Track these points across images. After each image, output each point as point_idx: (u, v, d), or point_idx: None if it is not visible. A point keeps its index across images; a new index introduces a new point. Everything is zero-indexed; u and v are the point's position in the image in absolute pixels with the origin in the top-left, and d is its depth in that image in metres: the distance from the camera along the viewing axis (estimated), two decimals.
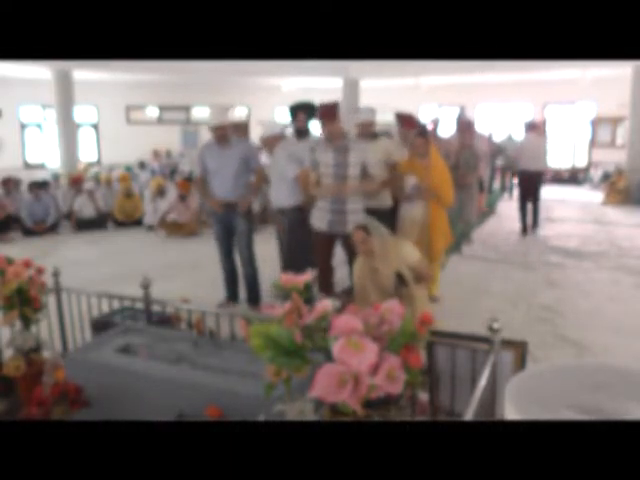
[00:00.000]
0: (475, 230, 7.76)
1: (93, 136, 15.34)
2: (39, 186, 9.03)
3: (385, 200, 4.82)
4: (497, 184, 11.92)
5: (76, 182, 9.67)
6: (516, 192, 9.02)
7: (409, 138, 4.93)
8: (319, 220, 4.22)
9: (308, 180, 4.25)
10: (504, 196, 11.62)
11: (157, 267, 5.70)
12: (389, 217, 4.88)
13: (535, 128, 8.16)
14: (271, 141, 4.87)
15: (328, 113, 4.07)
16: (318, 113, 4.15)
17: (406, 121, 5.08)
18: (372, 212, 4.85)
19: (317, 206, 4.25)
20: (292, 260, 4.58)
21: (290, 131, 5.00)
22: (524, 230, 7.99)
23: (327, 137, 4.15)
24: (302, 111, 4.71)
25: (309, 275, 1.70)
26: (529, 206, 8.01)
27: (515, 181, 10.08)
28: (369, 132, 4.76)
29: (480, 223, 8.43)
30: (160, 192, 9.03)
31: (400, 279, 3.57)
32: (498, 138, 11.78)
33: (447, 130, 8.87)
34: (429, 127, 7.45)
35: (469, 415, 1.62)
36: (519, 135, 10.57)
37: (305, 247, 4.50)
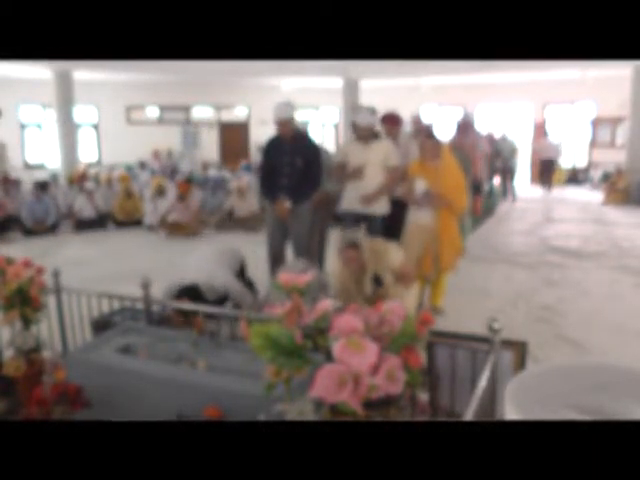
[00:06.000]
0: (469, 238, 7.39)
1: (93, 136, 15.33)
2: (42, 187, 9.04)
3: (382, 207, 4.61)
4: (497, 186, 11.86)
5: (80, 180, 9.70)
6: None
7: (396, 136, 4.86)
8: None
9: None
10: (507, 198, 11.53)
11: (157, 267, 5.69)
12: (385, 224, 4.66)
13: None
14: None
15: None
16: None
17: (389, 119, 4.98)
18: (368, 219, 4.74)
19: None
20: None
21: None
22: (548, 189, 12.94)
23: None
24: None
25: (310, 275, 1.70)
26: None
27: (513, 183, 12.05)
28: (367, 133, 4.67)
29: (474, 230, 8.11)
30: (160, 192, 9.03)
31: (376, 281, 3.55)
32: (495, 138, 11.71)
33: (447, 131, 8.83)
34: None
35: (469, 415, 1.62)
36: (516, 136, 12.80)
37: None
